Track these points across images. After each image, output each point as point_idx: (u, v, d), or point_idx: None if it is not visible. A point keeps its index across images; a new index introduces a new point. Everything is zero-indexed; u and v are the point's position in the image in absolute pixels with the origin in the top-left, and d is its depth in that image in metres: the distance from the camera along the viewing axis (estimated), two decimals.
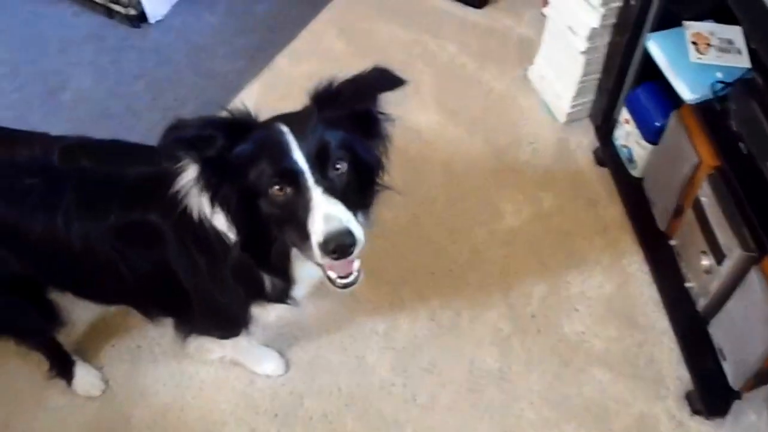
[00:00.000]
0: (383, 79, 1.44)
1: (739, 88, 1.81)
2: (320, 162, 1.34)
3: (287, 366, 2.03)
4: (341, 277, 1.43)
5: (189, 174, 1.42)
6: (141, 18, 2.90)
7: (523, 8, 2.90)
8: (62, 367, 1.97)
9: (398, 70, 1.41)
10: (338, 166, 1.37)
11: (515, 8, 2.93)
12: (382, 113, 1.46)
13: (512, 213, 2.33)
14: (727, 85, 1.89)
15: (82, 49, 2.85)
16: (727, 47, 2.02)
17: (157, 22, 2.92)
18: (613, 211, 2.34)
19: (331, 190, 1.33)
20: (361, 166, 1.43)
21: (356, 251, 1.32)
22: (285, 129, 1.34)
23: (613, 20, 2.25)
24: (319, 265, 1.41)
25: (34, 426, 1.96)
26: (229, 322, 1.76)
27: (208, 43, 2.86)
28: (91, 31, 2.90)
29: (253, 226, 1.40)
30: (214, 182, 1.36)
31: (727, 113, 1.86)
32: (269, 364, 2.02)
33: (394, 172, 2.31)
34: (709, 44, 2.04)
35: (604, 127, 2.44)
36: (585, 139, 2.52)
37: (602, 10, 2.20)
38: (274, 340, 2.06)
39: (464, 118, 2.58)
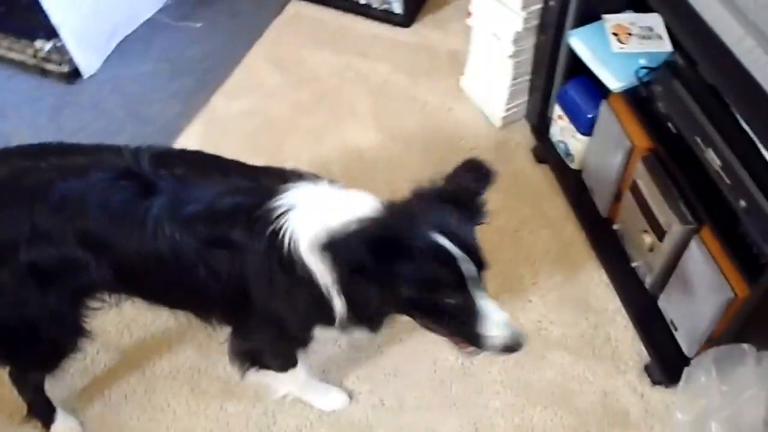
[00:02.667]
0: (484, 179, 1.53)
1: (662, 71, 1.89)
2: (478, 267, 1.39)
3: (350, 397, 2.02)
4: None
5: (290, 196, 1.47)
6: (75, 74, 2.90)
7: (449, 22, 2.99)
8: (43, 410, 1.94)
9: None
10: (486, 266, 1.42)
11: (441, 23, 3.02)
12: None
13: None
14: (651, 69, 1.97)
15: (20, 112, 2.83)
16: (647, 34, 2.11)
17: (91, 76, 2.92)
18: (557, 204, 2.41)
19: (486, 292, 1.41)
20: None
21: None
22: (444, 240, 1.36)
23: (535, 22, 2.34)
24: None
25: None
26: (289, 341, 1.74)
27: (144, 91, 2.87)
28: (27, 93, 2.89)
29: (379, 309, 1.46)
30: (358, 290, 1.40)
31: (653, 97, 1.94)
32: (333, 397, 2.00)
33: None
34: (630, 33, 2.12)
35: (540, 125, 2.51)
36: (523, 140, 2.59)
37: (524, 14, 2.28)
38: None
39: (403, 134, 2.63)
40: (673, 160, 1.90)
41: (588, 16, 2.17)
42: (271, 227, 1.45)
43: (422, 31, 3.00)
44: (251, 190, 1.52)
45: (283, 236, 1.44)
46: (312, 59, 2.92)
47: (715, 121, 1.71)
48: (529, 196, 2.44)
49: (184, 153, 1.67)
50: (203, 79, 2.89)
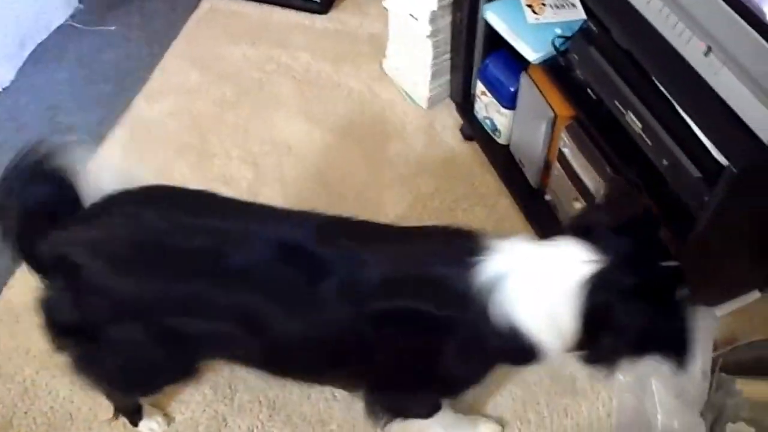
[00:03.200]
0: None
1: (577, 39, 1.89)
2: None
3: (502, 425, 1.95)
4: None
5: (491, 266, 1.32)
6: None
7: (366, 5, 2.96)
8: (131, 409, 1.91)
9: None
10: None
11: (360, 7, 2.99)
12: None
13: (393, 204, 2.36)
14: (567, 38, 1.98)
15: None
16: (561, 3, 2.12)
17: (5, 89, 2.81)
18: (489, 180, 2.42)
19: None
20: None
21: None
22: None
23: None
24: None
25: None
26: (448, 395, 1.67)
27: (63, 99, 2.78)
28: None
29: None
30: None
31: (571, 65, 1.95)
32: (485, 428, 1.92)
33: (273, 192, 2.36)
34: (544, 4, 2.13)
35: (465, 103, 2.52)
36: (450, 119, 2.59)
37: None
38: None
39: (330, 123, 2.60)
40: (596, 126, 1.92)
41: None
42: (475, 304, 1.31)
43: (340, 16, 2.97)
44: (434, 258, 1.40)
45: (486, 309, 1.31)
46: (232, 54, 2.86)
47: (632, 84, 1.72)
48: (461, 175, 2.44)
49: (341, 221, 1.51)
50: (122, 83, 2.81)
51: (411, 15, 2.41)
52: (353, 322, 1.39)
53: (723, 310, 2.12)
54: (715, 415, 1.68)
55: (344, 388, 1.75)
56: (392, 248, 1.43)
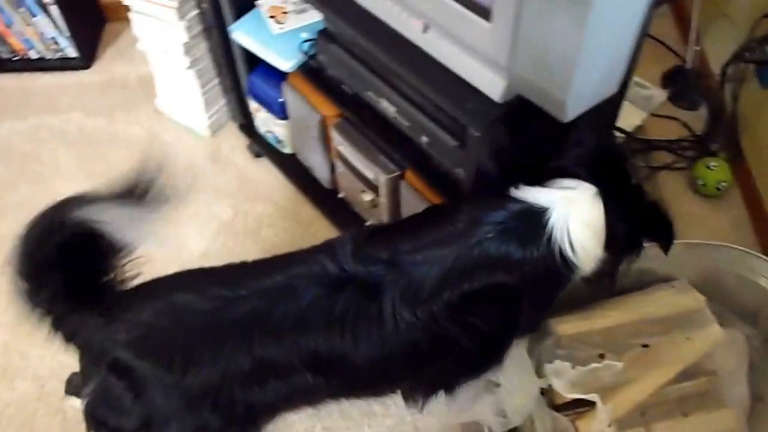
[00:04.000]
0: None
1: (320, 39, 1.92)
2: None
3: None
4: None
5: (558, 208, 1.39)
6: None
7: (128, 50, 2.88)
8: None
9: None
10: None
11: (122, 52, 2.92)
12: None
13: (197, 238, 2.33)
14: (311, 41, 2.01)
15: None
16: (302, 8, 2.15)
17: None
18: (286, 192, 2.43)
19: None
20: None
21: None
22: None
23: (200, 27, 2.31)
24: None
25: None
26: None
27: None
28: None
29: None
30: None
31: (323, 65, 1.98)
32: None
33: None
34: (285, 12, 2.15)
35: (246, 122, 2.51)
36: (236, 141, 2.58)
37: (183, 24, 2.25)
38: None
39: (115, 176, 2.50)
40: (360, 119, 1.97)
41: (244, 6, 2.18)
42: (541, 233, 1.38)
43: (106, 66, 2.89)
44: (478, 228, 1.40)
45: (552, 232, 1.38)
46: None
47: (378, 73, 1.77)
48: (259, 193, 2.44)
49: (370, 234, 1.49)
50: None
51: (166, 51, 2.37)
52: (425, 324, 1.37)
53: None
54: (536, 360, 1.75)
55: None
56: (427, 243, 1.42)
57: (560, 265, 1.40)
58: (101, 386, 1.37)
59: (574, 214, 1.39)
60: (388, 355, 1.40)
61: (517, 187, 1.43)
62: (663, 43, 2.74)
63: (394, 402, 1.95)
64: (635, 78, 2.64)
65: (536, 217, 1.38)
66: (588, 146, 1.49)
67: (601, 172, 1.43)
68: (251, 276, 1.42)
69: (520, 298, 1.43)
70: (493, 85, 1.44)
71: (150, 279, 1.43)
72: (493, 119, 1.46)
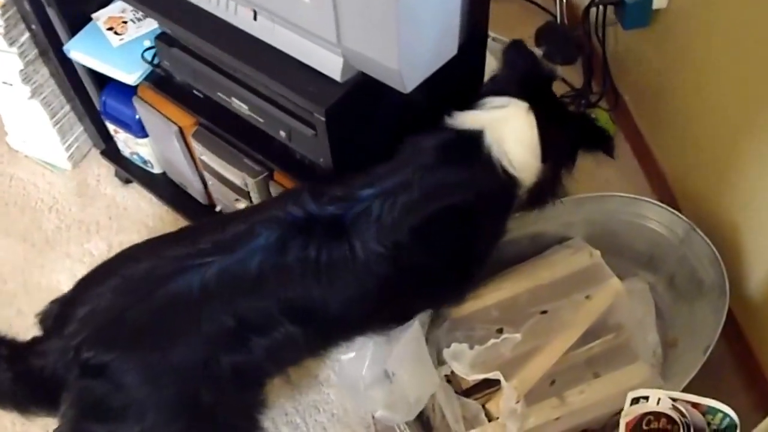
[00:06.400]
0: None
1: (159, 44, 1.79)
2: None
3: None
4: None
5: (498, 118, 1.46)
6: None
7: None
8: None
9: None
10: None
11: None
12: None
13: (69, 281, 2.15)
14: (152, 48, 1.87)
15: None
16: (142, 15, 2.00)
17: None
18: (161, 214, 2.29)
19: None
20: None
21: None
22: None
23: (35, 52, 2.13)
24: None
25: None
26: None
27: None
28: None
29: None
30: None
31: (169, 72, 1.85)
32: None
33: None
34: (125, 22, 2.01)
35: (108, 147, 2.33)
36: (102, 169, 2.40)
37: (15, 50, 2.07)
38: None
39: None
40: (218, 124, 1.84)
41: (78, 22, 2.01)
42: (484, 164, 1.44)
43: None
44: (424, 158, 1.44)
45: (490, 151, 1.44)
46: None
47: (223, 71, 1.65)
48: (134, 221, 2.28)
49: (324, 178, 1.53)
50: None
51: (5, 82, 2.19)
52: (394, 254, 1.37)
53: None
54: (435, 347, 1.67)
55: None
56: (381, 174, 1.43)
57: (504, 180, 1.46)
58: (77, 398, 1.25)
59: (508, 131, 1.45)
60: (364, 292, 1.40)
61: (450, 115, 1.48)
62: (531, 1, 2.70)
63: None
64: (506, 39, 2.60)
65: (474, 139, 1.44)
66: (519, 66, 1.56)
67: (532, 90, 1.50)
68: (208, 231, 1.37)
69: (476, 214, 1.48)
70: (330, 65, 1.35)
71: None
72: (337, 100, 1.36)
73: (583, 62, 2.48)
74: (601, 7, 2.15)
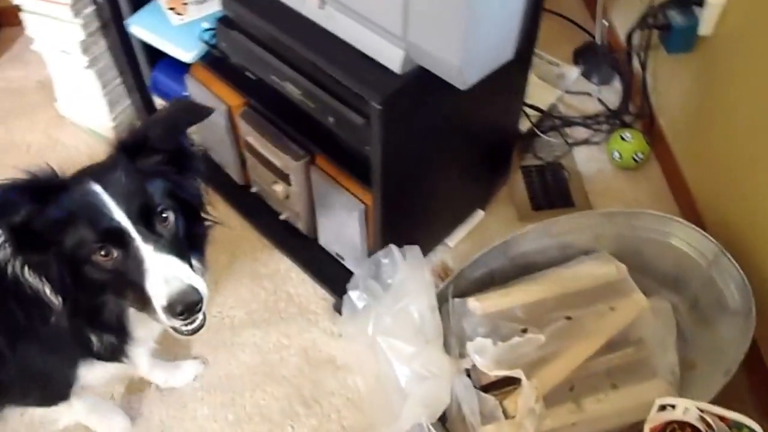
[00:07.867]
0: (188, 113, 1.36)
1: (219, 28, 1.85)
2: (145, 218, 1.22)
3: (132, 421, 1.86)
4: (186, 324, 1.28)
5: None
6: None
7: (24, 54, 2.73)
8: None
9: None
10: (165, 215, 1.26)
11: (18, 58, 2.78)
12: (192, 145, 1.37)
13: None
14: (211, 30, 1.93)
15: None
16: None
17: None
18: None
19: (162, 245, 1.22)
20: (187, 207, 1.33)
21: (203, 306, 1.24)
22: (98, 188, 1.21)
23: (97, 24, 2.20)
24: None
25: None
26: (52, 385, 1.53)
27: None
28: None
29: (81, 292, 1.25)
30: (25, 251, 1.20)
31: (225, 53, 1.90)
32: (116, 423, 1.82)
33: None
34: (185, 3, 2.07)
35: None
36: None
37: (79, 21, 2.14)
38: None
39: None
40: (266, 106, 1.90)
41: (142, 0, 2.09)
42: None
43: (1, 73, 2.74)
44: None
45: (5, 268, 1.23)
46: None
47: (280, 56, 1.71)
48: None
49: None
50: None
51: (63, 51, 2.26)
52: None
53: (455, 238, 2.18)
54: (458, 339, 1.71)
55: None
56: None
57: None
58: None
59: None
60: None
61: None
62: (572, 21, 2.75)
63: (317, 401, 1.89)
64: (547, 56, 2.65)
65: None
66: None
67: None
68: None
69: None
70: (391, 56, 1.40)
71: None
72: (394, 91, 1.41)
73: (622, 83, 2.52)
74: (646, 30, 2.19)
